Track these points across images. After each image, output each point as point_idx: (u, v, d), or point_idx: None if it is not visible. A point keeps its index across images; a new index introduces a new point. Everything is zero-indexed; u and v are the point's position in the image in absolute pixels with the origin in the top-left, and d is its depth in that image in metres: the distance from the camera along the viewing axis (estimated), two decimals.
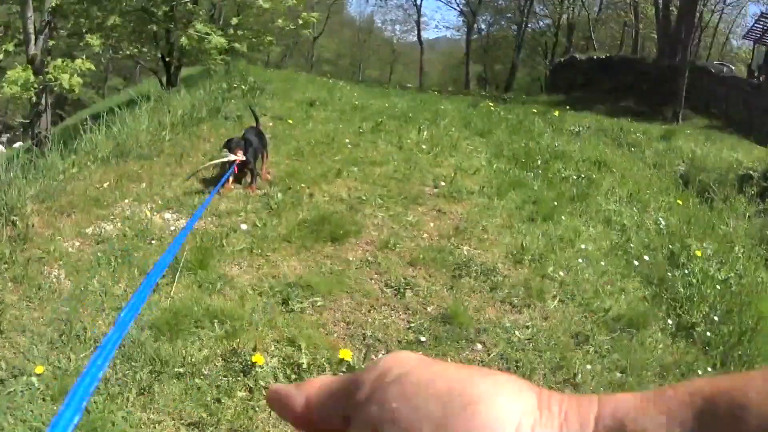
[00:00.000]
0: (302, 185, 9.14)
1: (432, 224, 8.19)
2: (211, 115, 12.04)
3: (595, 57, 32.95)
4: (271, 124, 12.28)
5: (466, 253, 7.29)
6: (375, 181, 9.67)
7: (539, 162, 11.72)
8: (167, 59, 15.55)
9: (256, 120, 9.89)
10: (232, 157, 7.90)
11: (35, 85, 11.41)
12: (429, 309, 6.06)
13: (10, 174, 8.02)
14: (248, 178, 8.64)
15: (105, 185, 8.66)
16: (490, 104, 17.56)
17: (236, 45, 15.00)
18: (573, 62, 33.59)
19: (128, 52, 15.92)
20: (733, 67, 29.33)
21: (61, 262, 6.18)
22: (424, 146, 11.95)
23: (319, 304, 5.88)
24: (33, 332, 5.07)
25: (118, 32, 14.05)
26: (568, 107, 20.91)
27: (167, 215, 7.95)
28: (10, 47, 12.72)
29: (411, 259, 6.95)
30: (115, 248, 6.47)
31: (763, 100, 21.90)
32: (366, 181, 9.66)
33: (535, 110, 17.72)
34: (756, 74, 27.46)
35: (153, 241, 6.96)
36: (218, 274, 6.17)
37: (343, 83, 19.73)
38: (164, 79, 15.96)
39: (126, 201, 8.18)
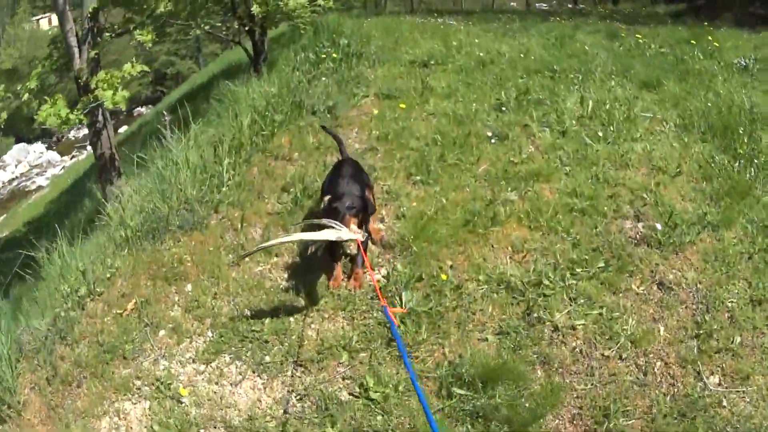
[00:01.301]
0: (437, 258, 5.83)
1: (660, 330, 5.19)
2: (293, 115, 8.50)
3: None
4: (376, 111, 8.66)
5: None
6: (551, 225, 6.17)
7: (743, 137, 7.65)
8: (248, 27, 12.32)
9: (339, 145, 6.67)
10: (346, 235, 4.74)
11: (79, 116, 9.61)
12: None
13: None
14: (355, 255, 5.57)
15: (129, 307, 5.60)
16: (638, 35, 13.02)
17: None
18: None
19: (199, 32, 13.05)
20: None
21: None
22: (591, 124, 8.17)
23: None
24: None
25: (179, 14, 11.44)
26: (705, 22, 15.87)
27: (225, 368, 5.12)
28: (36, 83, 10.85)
29: None
30: None
31: None
32: (536, 225, 6.19)
33: (682, 35, 13.34)
34: None
35: None
36: None
37: (455, 24, 15.26)
38: (251, 48, 12.90)
39: (160, 336, 5.36)
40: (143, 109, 49.54)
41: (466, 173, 7.01)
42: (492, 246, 5.86)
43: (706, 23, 15.45)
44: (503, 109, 8.52)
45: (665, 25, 15.78)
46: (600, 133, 7.75)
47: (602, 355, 4.93)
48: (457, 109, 8.50)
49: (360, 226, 4.92)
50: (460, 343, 4.95)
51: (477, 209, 6.27)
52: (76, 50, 10.06)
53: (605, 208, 6.34)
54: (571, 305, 5.22)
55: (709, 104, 8.50)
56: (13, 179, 43.96)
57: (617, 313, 5.17)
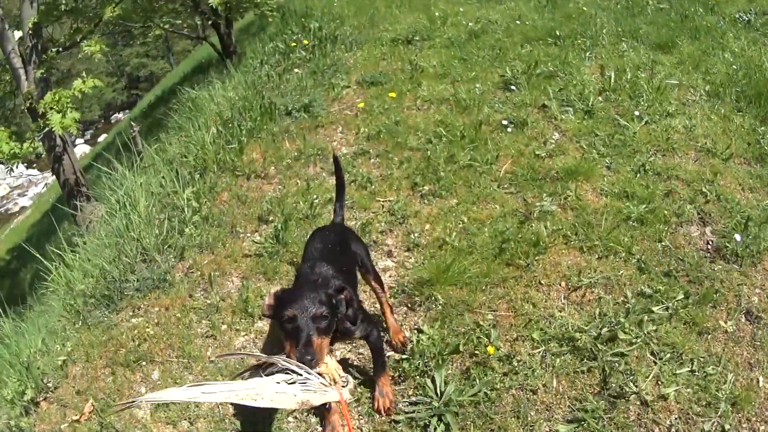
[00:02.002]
0: (471, 309, 4.35)
1: (759, 380, 3.82)
2: (263, 120, 6.97)
3: None
4: (361, 103, 7.21)
5: None
6: (607, 244, 4.75)
7: None
8: (211, 20, 11.34)
9: (338, 193, 4.45)
10: (326, 396, 2.59)
11: (30, 146, 8.49)
12: None
13: None
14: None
15: (87, 410, 4.10)
16: None
17: None
18: None
19: (159, 32, 11.86)
20: None
21: None
22: (618, 98, 6.76)
23: None
24: None
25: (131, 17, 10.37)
26: None
27: None
28: None
29: None
30: None
31: None
32: (589, 246, 4.77)
33: None
34: None
35: None
36: None
37: None
38: (218, 42, 11.95)
39: None
40: (120, 115, 47.27)
41: (484, 177, 5.61)
42: (540, 283, 4.44)
43: None
44: (512, 87, 7.10)
45: None
46: (629, 111, 6.43)
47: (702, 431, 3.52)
48: (457, 93, 7.03)
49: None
50: None
51: (510, 230, 4.84)
52: (21, 72, 9.05)
53: (665, 212, 4.99)
54: (655, 364, 3.81)
55: (734, 67, 7.23)
56: None
57: (711, 367, 3.80)
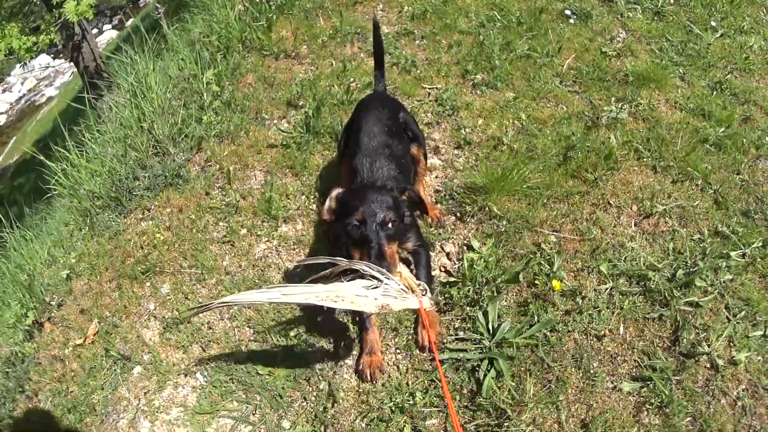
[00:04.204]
0: (531, 227, 3.50)
1: None
2: None
3: None
4: None
5: None
6: (683, 167, 3.88)
7: None
8: None
9: (378, 54, 3.71)
10: (405, 303, 2.32)
11: (48, 38, 7.65)
12: None
13: None
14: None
15: (91, 332, 3.35)
16: None
17: None
18: None
19: None
20: None
21: None
22: (688, 4, 5.55)
23: None
24: None
25: None
26: None
27: None
28: None
29: None
30: None
31: None
32: (664, 165, 3.92)
33: None
34: None
35: None
36: None
37: None
38: None
39: (135, 376, 3.13)
40: None
41: (545, 70, 4.64)
42: (609, 203, 3.60)
43: None
44: None
45: None
46: (705, 18, 5.36)
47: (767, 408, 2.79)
48: None
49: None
50: (583, 399, 2.78)
51: (577, 135, 3.92)
52: None
53: (744, 141, 4.08)
54: (729, 321, 3.04)
55: None
56: (21, 98, 38.98)
57: None
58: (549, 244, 3.35)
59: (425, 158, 3.51)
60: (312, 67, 4.86)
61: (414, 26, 5.28)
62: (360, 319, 2.97)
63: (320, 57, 4.95)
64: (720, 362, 2.86)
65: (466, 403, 2.78)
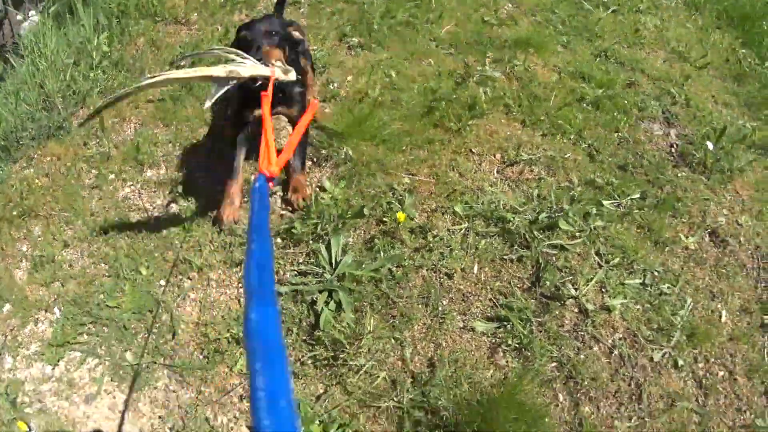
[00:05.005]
0: (386, 170, 3.50)
1: (722, 316, 3.09)
2: None
3: None
4: None
5: None
6: (555, 121, 3.95)
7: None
8: None
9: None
10: (259, 70, 2.63)
11: None
12: None
13: None
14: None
15: None
16: None
17: None
18: None
19: None
20: None
21: None
22: None
23: None
24: None
25: None
26: None
27: (75, 372, 2.88)
28: None
29: None
30: None
31: None
32: (534, 120, 3.96)
33: None
34: None
35: None
36: None
37: None
38: None
39: (5, 313, 3.10)
40: None
41: (423, 35, 4.61)
42: (471, 151, 3.56)
43: None
44: None
45: None
46: None
47: (651, 361, 2.80)
48: None
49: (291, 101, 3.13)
50: (430, 337, 2.63)
51: (444, 89, 3.88)
52: None
53: (625, 102, 4.16)
54: (601, 267, 2.99)
55: None
56: None
57: (666, 285, 3.05)
58: (402, 185, 3.29)
59: (313, 71, 3.79)
60: (199, 32, 4.87)
61: None
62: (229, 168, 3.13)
63: (208, 23, 4.96)
64: (590, 307, 2.83)
65: (304, 337, 2.73)
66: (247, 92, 2.77)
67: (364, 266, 2.87)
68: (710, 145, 3.82)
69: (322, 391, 2.58)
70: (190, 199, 3.37)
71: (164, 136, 3.88)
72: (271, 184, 1.85)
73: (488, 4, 5.17)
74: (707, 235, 3.40)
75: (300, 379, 2.62)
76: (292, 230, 3.08)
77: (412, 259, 2.94)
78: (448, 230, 3.07)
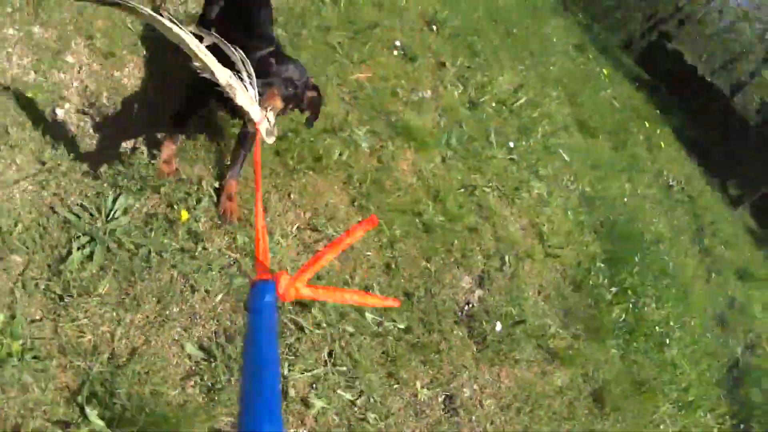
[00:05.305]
0: None
1: None
2: None
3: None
4: None
5: None
6: None
7: (634, 268, 6.38)
8: None
9: None
10: (252, 109, 2.67)
11: None
12: None
13: None
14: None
15: None
16: (604, 71, 11.35)
17: None
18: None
19: None
20: None
21: None
22: (508, 126, 6.29)
23: None
24: None
25: None
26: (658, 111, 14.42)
27: None
28: None
29: None
30: None
31: None
32: None
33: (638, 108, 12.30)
34: None
35: None
36: None
37: None
38: None
39: None
40: None
41: (336, 68, 4.90)
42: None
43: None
44: (434, 27, 6.50)
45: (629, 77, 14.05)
46: (510, 136, 5.95)
47: None
48: None
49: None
50: (146, 330, 2.89)
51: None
52: None
53: (456, 241, 4.56)
54: (326, 365, 3.33)
55: (624, 199, 7.40)
56: None
57: (374, 416, 3.34)
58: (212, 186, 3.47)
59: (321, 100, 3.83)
60: None
61: None
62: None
63: None
64: (291, 393, 3.07)
65: (50, 262, 2.79)
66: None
67: (132, 235, 2.99)
68: (498, 327, 4.19)
69: (38, 318, 2.64)
70: None
71: None
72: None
73: (413, 79, 5.47)
74: (443, 396, 3.68)
75: (28, 296, 2.66)
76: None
77: (173, 255, 3.07)
78: (219, 250, 3.24)
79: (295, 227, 3.69)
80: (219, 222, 3.33)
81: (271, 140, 2.79)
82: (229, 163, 3.49)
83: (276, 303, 1.46)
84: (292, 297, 1.55)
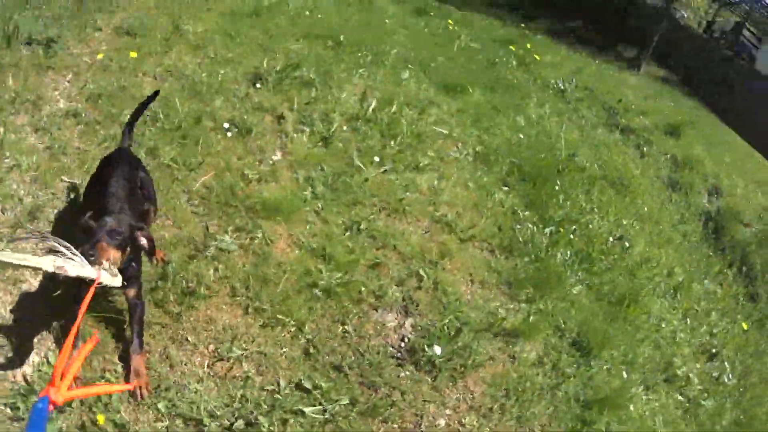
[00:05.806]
0: None
1: None
2: None
3: None
4: (100, 54, 6.06)
5: None
6: (278, 313, 4.12)
7: (558, 195, 6.34)
8: None
9: (129, 124, 4.38)
10: (86, 271, 2.90)
11: None
12: None
13: None
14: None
15: None
16: (449, 20, 11.42)
17: None
18: None
19: None
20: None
21: None
22: (368, 131, 6.19)
23: None
24: None
25: None
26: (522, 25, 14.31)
27: None
28: None
29: None
30: None
31: None
32: (256, 307, 4.13)
33: (499, 33, 12.22)
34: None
35: None
36: None
37: None
38: None
39: None
40: None
41: (178, 185, 4.75)
42: (186, 339, 3.76)
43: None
44: (258, 84, 6.27)
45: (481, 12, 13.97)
46: (377, 150, 5.81)
47: None
48: (198, 73, 6.12)
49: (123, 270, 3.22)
50: None
51: (174, 263, 4.07)
52: None
53: (363, 289, 4.43)
54: None
55: (520, 135, 7.05)
56: None
57: None
58: (115, 373, 3.39)
59: (155, 214, 4.14)
60: None
61: (85, 108, 5.17)
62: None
63: None
64: None
65: None
66: None
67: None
68: (438, 350, 4.10)
69: None
70: None
71: None
72: (50, 407, 2.03)
73: (257, 150, 5.33)
74: None
75: None
76: None
77: None
78: (151, 426, 3.19)
79: (205, 367, 3.61)
80: (136, 402, 3.31)
81: (117, 283, 3.01)
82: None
83: (47, 411, 1.96)
84: (61, 402, 2.04)
